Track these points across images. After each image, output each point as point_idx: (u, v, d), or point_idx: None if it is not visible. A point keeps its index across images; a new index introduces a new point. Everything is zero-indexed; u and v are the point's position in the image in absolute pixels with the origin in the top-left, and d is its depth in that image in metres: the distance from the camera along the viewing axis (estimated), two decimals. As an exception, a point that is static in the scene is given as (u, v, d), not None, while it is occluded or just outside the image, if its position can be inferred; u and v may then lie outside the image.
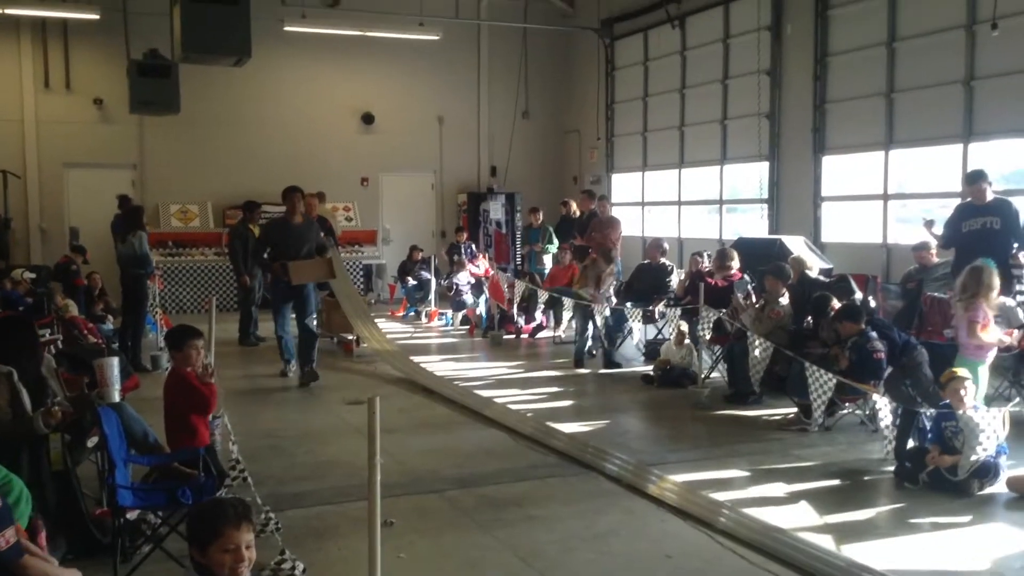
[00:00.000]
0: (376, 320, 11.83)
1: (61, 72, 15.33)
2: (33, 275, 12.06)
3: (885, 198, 11.69)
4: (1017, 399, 7.37)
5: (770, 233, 12.87)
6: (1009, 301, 7.81)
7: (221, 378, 6.08)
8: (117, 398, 5.22)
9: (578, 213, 13.91)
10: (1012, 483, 5.54)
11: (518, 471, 6.15)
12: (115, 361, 5.36)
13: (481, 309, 12.82)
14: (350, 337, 11.07)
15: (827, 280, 9.16)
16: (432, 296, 14.08)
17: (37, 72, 15.18)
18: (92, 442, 5.06)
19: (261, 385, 9.27)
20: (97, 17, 13.97)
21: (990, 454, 5.55)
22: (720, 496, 5.49)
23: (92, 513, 4.68)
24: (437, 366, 9.99)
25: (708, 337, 8.69)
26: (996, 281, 6.60)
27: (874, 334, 7.08)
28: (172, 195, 15.78)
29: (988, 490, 5.54)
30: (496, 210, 17.58)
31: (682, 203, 15.77)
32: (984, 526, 5.06)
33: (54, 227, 15.46)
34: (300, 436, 7.15)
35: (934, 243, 9.32)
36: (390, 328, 12.49)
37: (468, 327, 12.87)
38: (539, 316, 12.21)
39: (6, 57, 15.04)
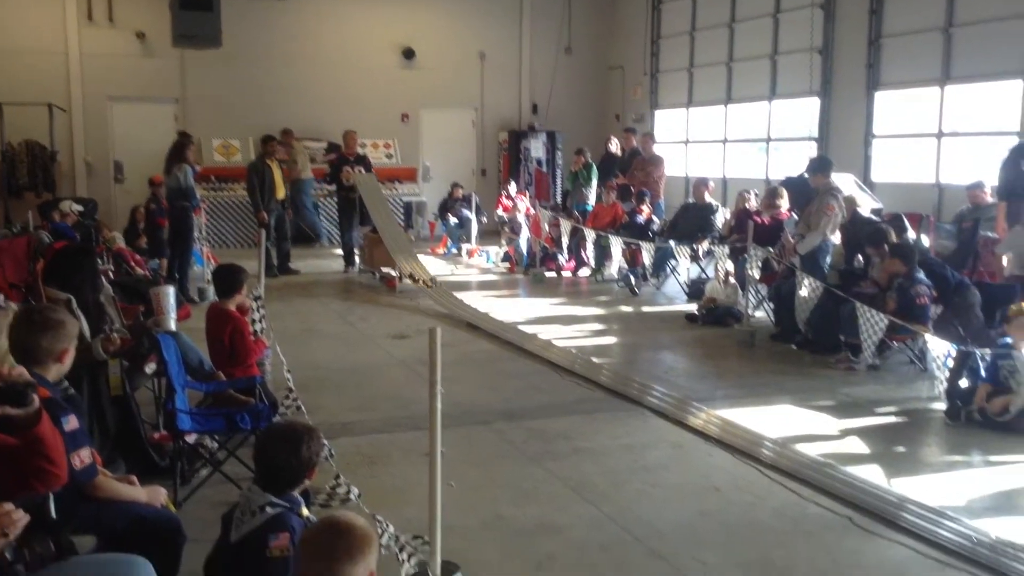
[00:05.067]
0: (418, 256, 11.86)
1: (104, 5, 15.29)
2: (80, 207, 12.25)
3: (939, 136, 11.36)
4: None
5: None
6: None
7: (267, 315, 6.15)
8: (173, 326, 5.30)
9: (620, 151, 13.74)
10: (1068, 424, 5.47)
11: (565, 405, 6.19)
12: (171, 290, 5.45)
13: (522, 247, 12.79)
14: (393, 273, 11.12)
15: (879, 220, 8.98)
16: (473, 233, 14.07)
17: (81, 5, 15.15)
18: (150, 369, 5.16)
19: (306, 319, 9.37)
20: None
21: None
22: (767, 431, 5.48)
23: (150, 437, 4.79)
24: (479, 303, 10.01)
25: (756, 276, 8.60)
26: None
27: (921, 276, 6.95)
28: (214, 130, 15.79)
29: (1042, 430, 5.48)
30: (537, 148, 17.42)
31: (728, 141, 15.48)
32: (1037, 466, 5.01)
33: (99, 160, 15.59)
34: (348, 369, 7.25)
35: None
36: (430, 265, 12.52)
37: (509, 265, 12.86)
38: (582, 255, 12.16)
39: (49, -10, 15.05)
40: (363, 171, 12.44)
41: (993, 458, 5.12)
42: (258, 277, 6.35)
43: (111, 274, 8.38)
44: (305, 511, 3.11)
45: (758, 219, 9.34)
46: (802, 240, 8.55)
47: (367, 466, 4.97)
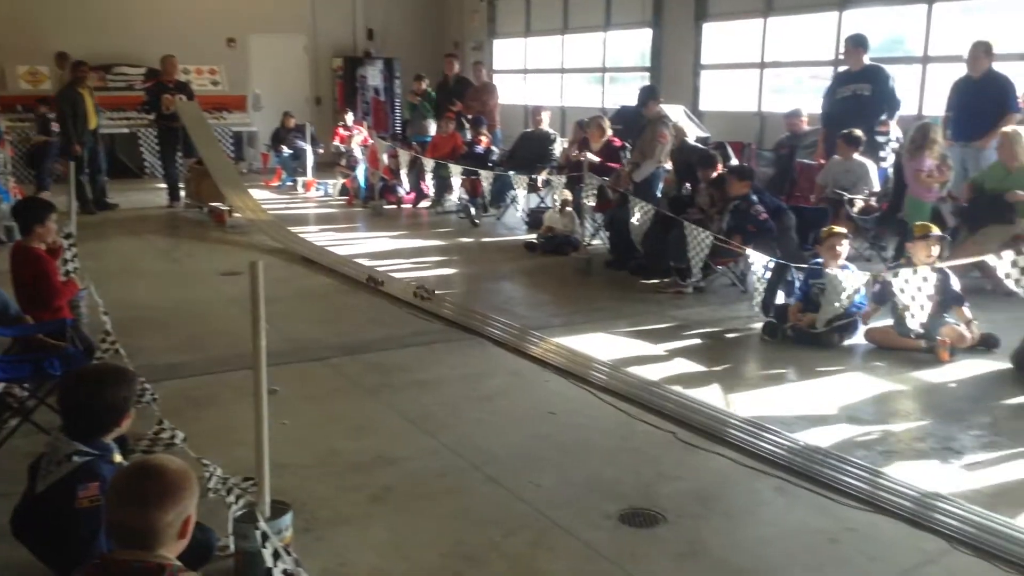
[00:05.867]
0: (249, 190, 11.37)
1: None
2: None
3: (762, 66, 11.84)
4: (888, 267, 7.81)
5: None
6: (870, 164, 8.17)
7: (82, 254, 5.73)
8: (-32, 269, 4.83)
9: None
10: (870, 335, 5.92)
11: (403, 338, 6.14)
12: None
13: (361, 179, 12.48)
14: (222, 207, 10.61)
15: (704, 147, 9.31)
16: (309, 165, 13.61)
17: None
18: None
19: (127, 258, 8.82)
20: None
21: (850, 309, 5.88)
22: (601, 356, 5.64)
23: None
24: (316, 236, 9.74)
25: (591, 204, 8.76)
26: (940, 136, 7.57)
27: (755, 198, 7.28)
28: (20, 55, 14.41)
29: (848, 342, 5.91)
30: (374, 76, 16.94)
31: (565, 71, 15.57)
32: (843, 375, 5.40)
33: None
34: (174, 308, 6.90)
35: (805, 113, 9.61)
36: (265, 198, 12.04)
37: (347, 197, 12.54)
38: (421, 186, 12.00)
39: None
40: (184, 99, 11.72)
41: (805, 371, 5.47)
42: (68, 213, 5.87)
43: None
44: (118, 458, 2.93)
45: (593, 149, 9.47)
46: (637, 168, 8.77)
47: (194, 408, 4.77)
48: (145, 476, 2.16)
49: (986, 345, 5.74)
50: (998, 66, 8.06)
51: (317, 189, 13.29)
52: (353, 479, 3.97)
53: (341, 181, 12.93)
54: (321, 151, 14.28)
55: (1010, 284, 4.81)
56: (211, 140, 11.74)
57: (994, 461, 4.12)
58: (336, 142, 14.28)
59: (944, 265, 5.58)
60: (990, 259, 4.89)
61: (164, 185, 12.27)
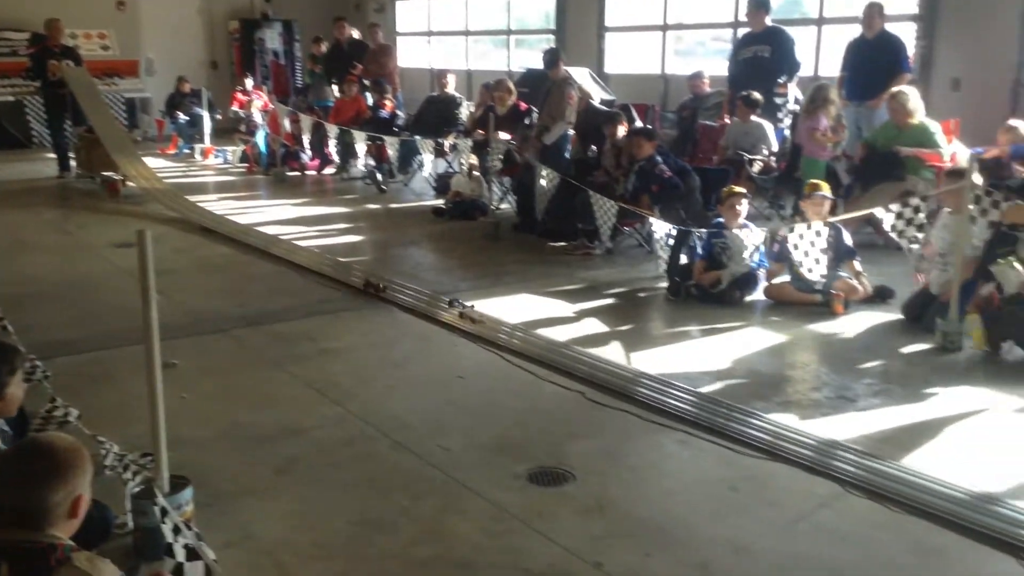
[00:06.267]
0: (144, 158, 10.94)
1: None
2: None
3: (664, 28, 11.94)
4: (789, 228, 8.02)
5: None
6: (767, 125, 8.36)
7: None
8: None
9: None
10: (768, 292, 6.09)
11: (309, 307, 6.02)
12: None
13: (261, 145, 12.13)
14: (115, 177, 10.17)
15: (609, 110, 9.36)
16: (207, 132, 13.16)
17: None
18: None
19: (15, 231, 8.39)
20: None
21: (753, 266, 6.04)
22: (510, 319, 5.65)
23: None
24: (215, 205, 9.46)
25: (498, 168, 8.72)
26: (835, 96, 7.78)
27: (659, 159, 7.36)
28: None
29: (749, 299, 6.07)
30: (272, 39, 16.45)
31: (470, 33, 15.41)
32: (743, 331, 5.54)
33: None
34: (67, 282, 6.61)
35: (706, 75, 9.76)
36: (160, 167, 11.61)
37: (247, 165, 12.18)
38: (325, 152, 11.74)
39: None
40: (71, 64, 11.15)
41: (708, 327, 5.59)
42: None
43: None
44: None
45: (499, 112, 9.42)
46: (547, 132, 8.75)
47: (90, 385, 4.58)
48: (32, 455, 2.09)
49: (881, 297, 5.97)
50: (890, 27, 8.32)
51: (216, 156, 12.89)
52: (257, 451, 3.89)
53: (241, 148, 12.56)
54: (219, 117, 13.86)
55: (893, 236, 5.01)
56: (101, 107, 11.22)
57: (885, 407, 4.30)
58: (235, 107, 13.86)
59: (835, 220, 5.77)
60: (879, 212, 5.08)
61: (53, 155, 11.69)
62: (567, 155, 8.87)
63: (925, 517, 3.27)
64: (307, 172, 11.68)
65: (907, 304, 5.63)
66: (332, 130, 11.10)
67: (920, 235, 5.38)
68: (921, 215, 5.29)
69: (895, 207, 5.24)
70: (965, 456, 3.76)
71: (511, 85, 9.63)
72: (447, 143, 10.16)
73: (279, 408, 4.35)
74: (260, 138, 12.12)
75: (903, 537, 3.18)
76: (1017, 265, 4.79)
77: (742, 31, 9.78)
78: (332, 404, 4.39)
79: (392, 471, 3.72)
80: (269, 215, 9.10)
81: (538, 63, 10.05)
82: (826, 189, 6.12)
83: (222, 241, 7.97)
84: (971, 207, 5.01)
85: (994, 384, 4.55)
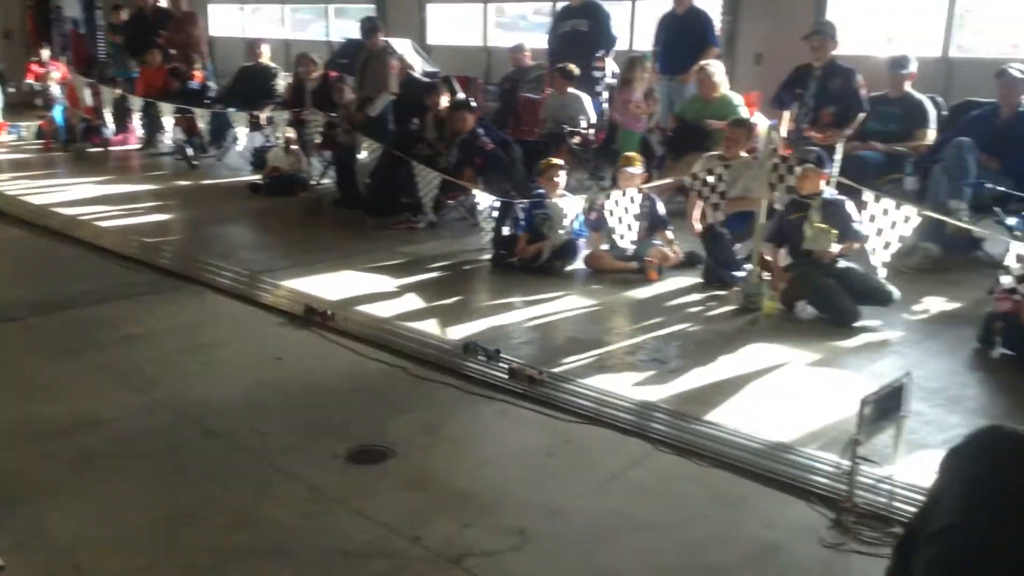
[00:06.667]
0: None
1: None
2: None
3: (486, 0, 11.94)
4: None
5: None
6: (584, 97, 8.53)
7: None
8: None
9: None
10: (587, 260, 6.24)
11: (109, 291, 5.62)
12: None
13: (59, 120, 11.23)
14: None
15: (431, 80, 9.28)
16: (-2, 105, 12.09)
17: None
18: None
19: None
20: None
21: (573, 235, 6.16)
22: (331, 297, 5.51)
23: None
24: (8, 185, 8.70)
25: (317, 142, 8.47)
26: (647, 70, 8.11)
27: (481, 131, 7.35)
28: None
29: (569, 268, 6.19)
30: (71, 7, 15.27)
31: (286, 2, 14.85)
32: (564, 299, 5.63)
33: None
34: None
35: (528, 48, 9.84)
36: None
37: (44, 141, 11.26)
38: (128, 126, 11.01)
39: None
40: None
41: (530, 298, 5.65)
42: None
43: None
44: None
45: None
46: (371, 104, 8.56)
47: None
48: None
49: (691, 262, 6.23)
50: (698, 2, 8.65)
51: (9, 133, 11.87)
52: (51, 446, 3.60)
53: (37, 123, 11.63)
54: (12, 90, 12.79)
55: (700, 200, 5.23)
56: None
57: (693, 368, 4.49)
58: (30, 80, 12.81)
59: (648, 187, 5.97)
60: (686, 180, 5.29)
61: None
62: (390, 126, 8.73)
63: (728, 469, 3.44)
64: (110, 148, 10.92)
65: (705, 270, 5.94)
66: (136, 103, 10.40)
67: (722, 201, 5.68)
68: (723, 185, 5.57)
69: (701, 173, 5.47)
70: (764, 409, 3.99)
71: (315, 57, 9.37)
72: (263, 116, 9.76)
73: (76, 399, 4.05)
74: (58, 112, 11.25)
75: (707, 489, 3.34)
76: (826, 228, 5.11)
77: (560, 5, 9.91)
78: (135, 392, 4.13)
79: (201, 460, 3.54)
80: (69, 195, 8.46)
81: (358, 33, 9.81)
82: (638, 163, 6.31)
83: (14, 224, 7.34)
84: (770, 174, 5.32)
85: (789, 341, 4.85)
